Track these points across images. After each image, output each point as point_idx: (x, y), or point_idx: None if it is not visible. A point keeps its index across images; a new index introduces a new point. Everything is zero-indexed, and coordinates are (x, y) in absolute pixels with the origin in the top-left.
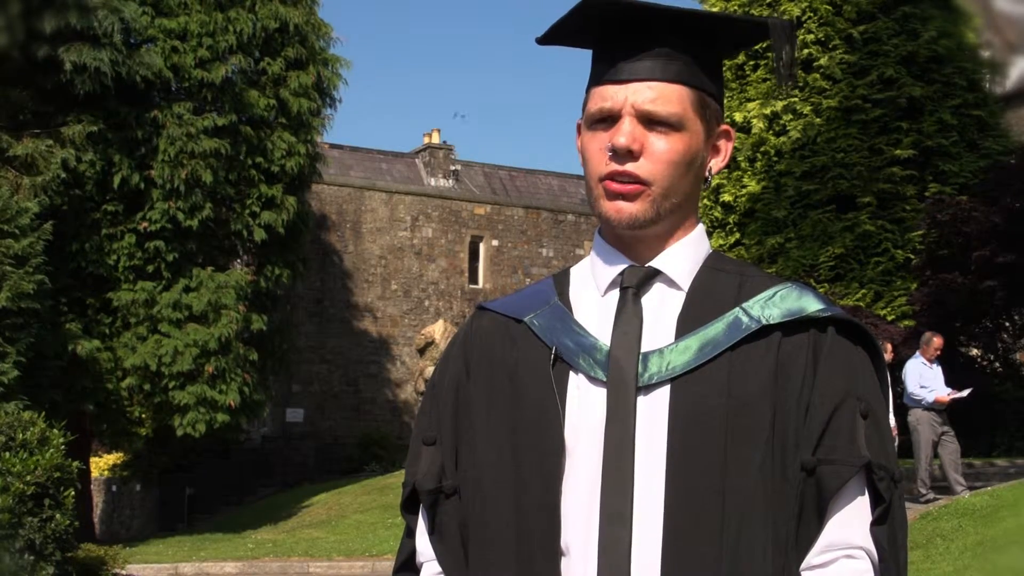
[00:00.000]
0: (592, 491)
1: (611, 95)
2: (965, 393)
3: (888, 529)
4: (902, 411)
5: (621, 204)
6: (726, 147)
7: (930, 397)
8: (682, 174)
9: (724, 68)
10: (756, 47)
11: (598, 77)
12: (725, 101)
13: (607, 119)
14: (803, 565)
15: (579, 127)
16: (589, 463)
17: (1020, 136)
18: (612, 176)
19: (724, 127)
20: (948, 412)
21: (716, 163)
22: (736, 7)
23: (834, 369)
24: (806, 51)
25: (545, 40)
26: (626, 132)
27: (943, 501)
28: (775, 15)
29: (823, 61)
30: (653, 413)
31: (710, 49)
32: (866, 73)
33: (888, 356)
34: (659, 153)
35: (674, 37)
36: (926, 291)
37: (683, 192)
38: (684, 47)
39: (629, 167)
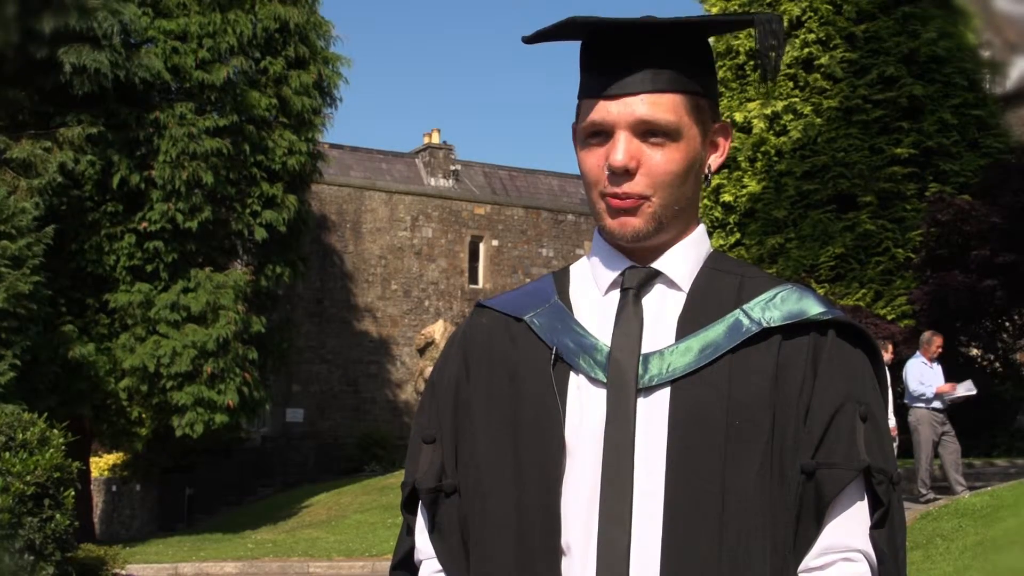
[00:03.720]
0: (592, 492)
1: (604, 110)
2: (969, 388)
3: (887, 532)
4: (902, 411)
5: (624, 219)
6: (724, 143)
7: (930, 392)
8: (681, 183)
9: (724, 68)
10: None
11: (589, 90)
12: (725, 101)
13: (601, 133)
14: (801, 568)
15: (575, 130)
16: (589, 464)
17: (1020, 136)
18: (612, 195)
19: (720, 124)
20: (948, 412)
21: (715, 160)
22: (736, 7)
23: (834, 372)
24: (806, 50)
25: (531, 40)
26: (622, 150)
27: (943, 501)
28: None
29: (824, 60)
30: (653, 415)
31: (698, 51)
32: (867, 72)
33: (888, 356)
34: (657, 166)
35: (662, 48)
36: (926, 290)
37: (685, 199)
38: (673, 54)
39: (626, 187)
